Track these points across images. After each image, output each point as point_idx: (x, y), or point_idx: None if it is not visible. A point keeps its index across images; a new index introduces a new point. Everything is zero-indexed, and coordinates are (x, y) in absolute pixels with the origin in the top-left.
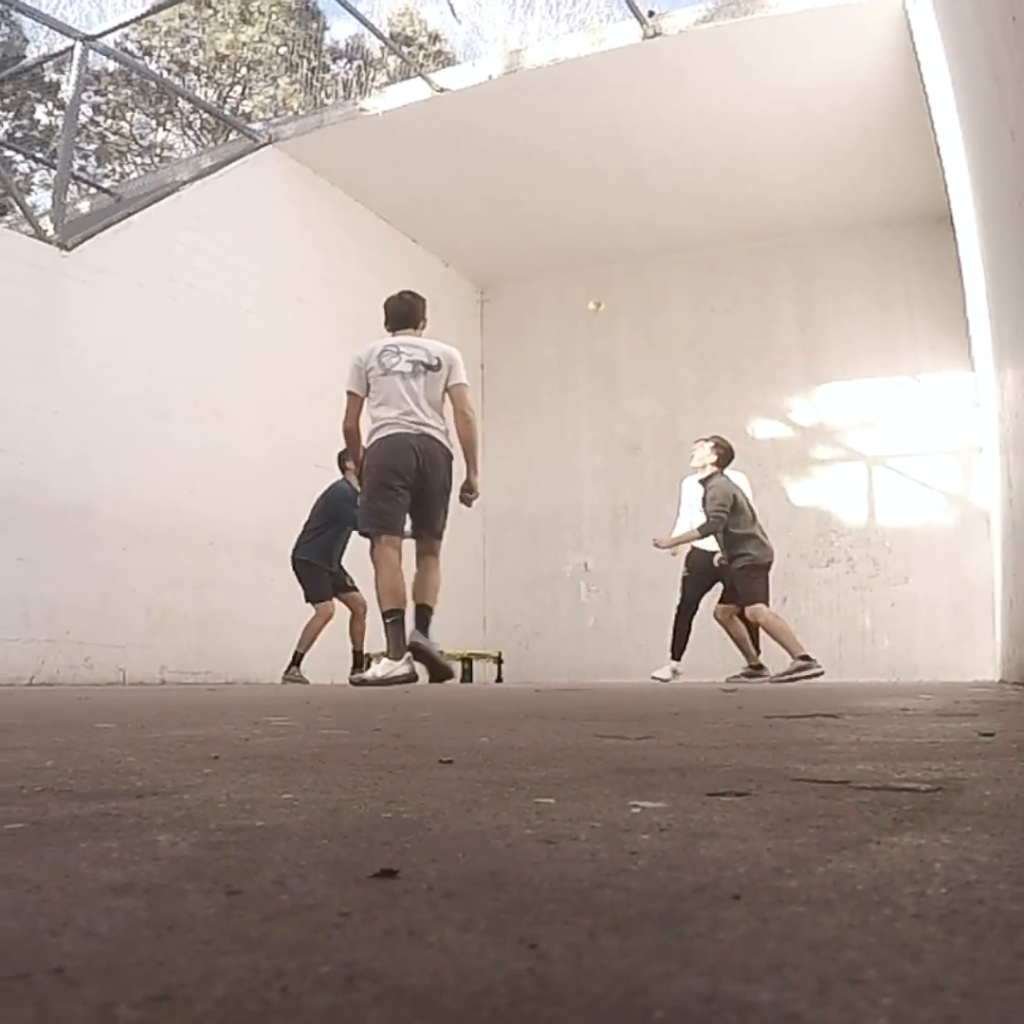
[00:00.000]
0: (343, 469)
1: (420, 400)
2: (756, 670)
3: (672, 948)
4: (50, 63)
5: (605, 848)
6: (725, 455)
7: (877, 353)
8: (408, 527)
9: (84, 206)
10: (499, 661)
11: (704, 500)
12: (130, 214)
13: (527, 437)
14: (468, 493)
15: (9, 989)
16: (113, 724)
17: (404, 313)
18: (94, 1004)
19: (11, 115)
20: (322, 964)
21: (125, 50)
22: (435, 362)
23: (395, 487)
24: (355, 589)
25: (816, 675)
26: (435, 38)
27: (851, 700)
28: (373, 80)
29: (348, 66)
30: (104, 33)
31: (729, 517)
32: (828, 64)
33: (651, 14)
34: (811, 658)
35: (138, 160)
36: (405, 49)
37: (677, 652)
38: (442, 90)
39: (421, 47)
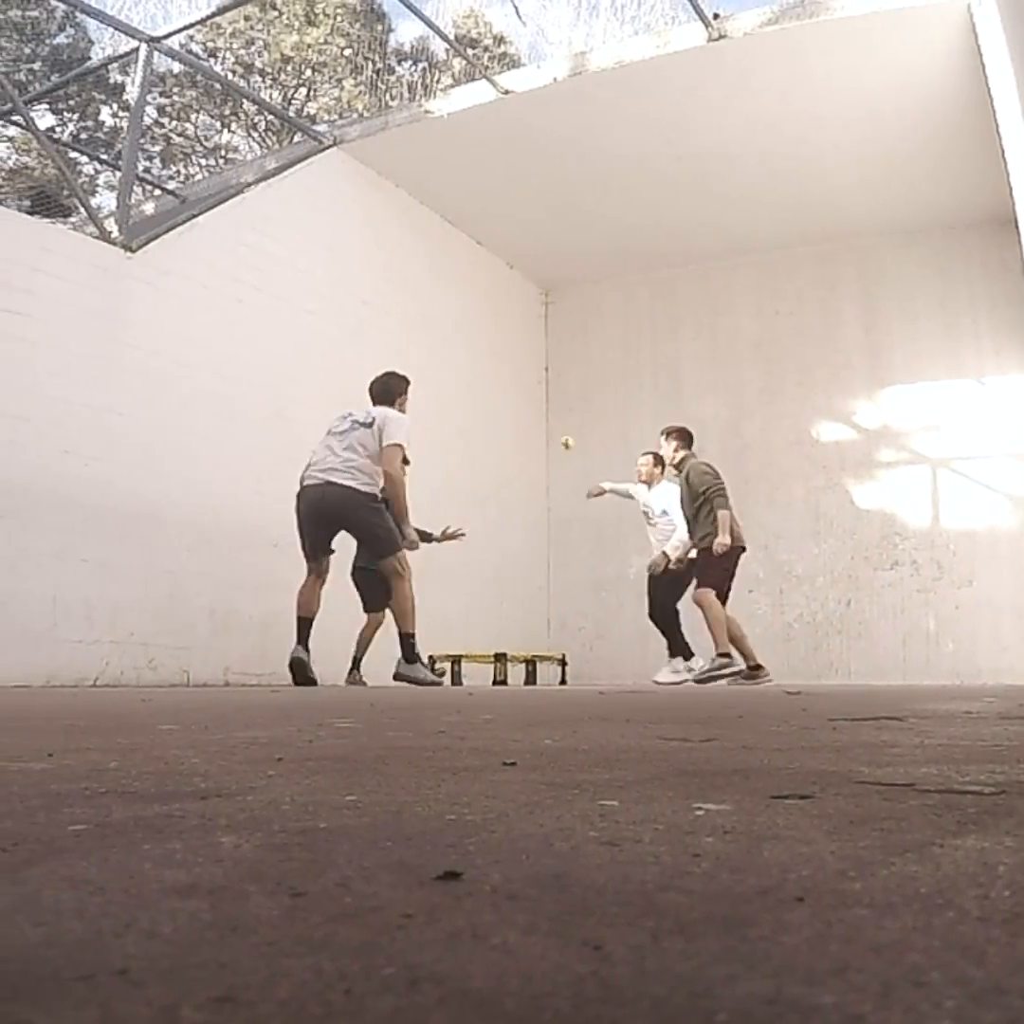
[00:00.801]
0: None
1: (337, 452)
2: (754, 671)
3: (735, 950)
4: (115, 65)
5: (668, 850)
6: (685, 437)
7: (941, 356)
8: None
9: (149, 208)
10: (563, 663)
11: (691, 485)
12: (195, 216)
13: (592, 439)
14: (405, 543)
15: (73, 990)
16: (177, 725)
17: (378, 391)
18: (157, 1005)
19: (76, 117)
20: (386, 966)
21: (190, 52)
22: (370, 420)
23: (303, 529)
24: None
25: (735, 673)
26: (500, 40)
27: (915, 703)
28: (438, 82)
29: (413, 68)
30: (169, 35)
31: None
32: (893, 66)
33: (716, 17)
34: (732, 656)
35: (203, 162)
36: (470, 51)
37: (679, 650)
38: (507, 92)
39: (486, 49)
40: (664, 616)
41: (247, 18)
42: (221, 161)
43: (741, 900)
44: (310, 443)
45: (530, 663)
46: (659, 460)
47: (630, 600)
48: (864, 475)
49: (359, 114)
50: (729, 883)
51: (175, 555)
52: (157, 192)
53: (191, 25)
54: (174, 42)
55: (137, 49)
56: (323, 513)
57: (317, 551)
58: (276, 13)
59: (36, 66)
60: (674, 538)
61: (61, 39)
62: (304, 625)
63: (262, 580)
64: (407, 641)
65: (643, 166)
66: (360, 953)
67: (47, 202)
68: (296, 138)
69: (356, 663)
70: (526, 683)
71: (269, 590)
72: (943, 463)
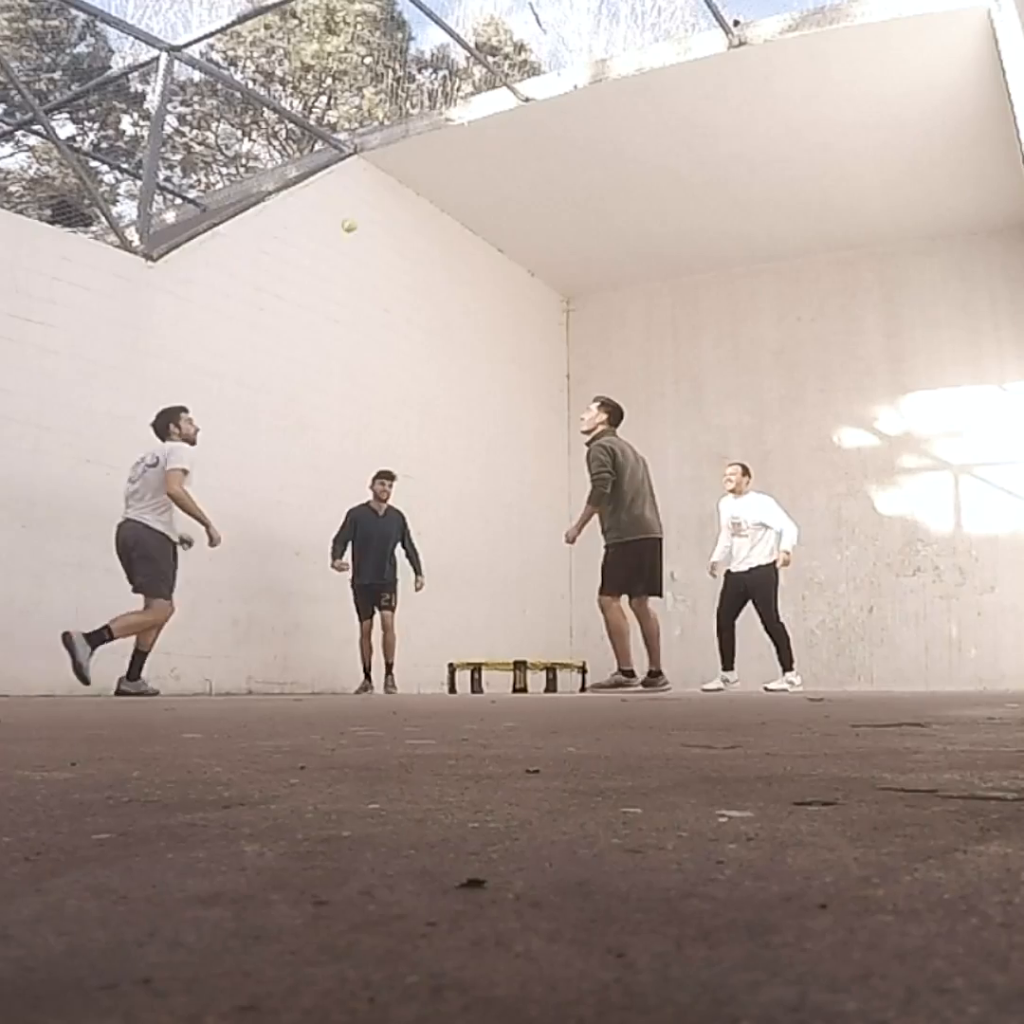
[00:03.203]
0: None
1: (131, 495)
2: (653, 677)
3: (759, 957)
4: (135, 74)
5: (692, 858)
6: (612, 412)
7: (963, 362)
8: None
9: (170, 216)
10: (583, 671)
11: (588, 465)
12: (216, 224)
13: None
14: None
15: (97, 999)
16: (200, 734)
17: (159, 428)
18: (181, 1015)
19: (97, 126)
20: (409, 974)
21: (210, 60)
22: (154, 460)
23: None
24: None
25: (634, 692)
26: (521, 48)
27: (938, 709)
28: (458, 90)
29: (434, 76)
30: (189, 44)
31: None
32: (914, 73)
33: (736, 24)
34: (634, 675)
35: (223, 170)
36: (490, 59)
37: (727, 662)
38: (527, 100)
39: (506, 57)
40: (774, 627)
41: (267, 26)
42: (242, 170)
43: (764, 907)
44: (332, 452)
45: (550, 671)
46: (746, 470)
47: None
48: (886, 481)
49: (380, 122)
50: (752, 890)
51: (198, 564)
52: (178, 201)
53: (211, 34)
54: (194, 51)
55: (157, 58)
56: (123, 548)
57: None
58: (296, 21)
59: (57, 75)
60: (786, 538)
61: (81, 48)
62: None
63: (285, 589)
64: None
65: (664, 173)
66: (384, 961)
67: (68, 211)
68: (317, 146)
69: (387, 668)
70: (546, 690)
71: (292, 599)
72: (965, 469)
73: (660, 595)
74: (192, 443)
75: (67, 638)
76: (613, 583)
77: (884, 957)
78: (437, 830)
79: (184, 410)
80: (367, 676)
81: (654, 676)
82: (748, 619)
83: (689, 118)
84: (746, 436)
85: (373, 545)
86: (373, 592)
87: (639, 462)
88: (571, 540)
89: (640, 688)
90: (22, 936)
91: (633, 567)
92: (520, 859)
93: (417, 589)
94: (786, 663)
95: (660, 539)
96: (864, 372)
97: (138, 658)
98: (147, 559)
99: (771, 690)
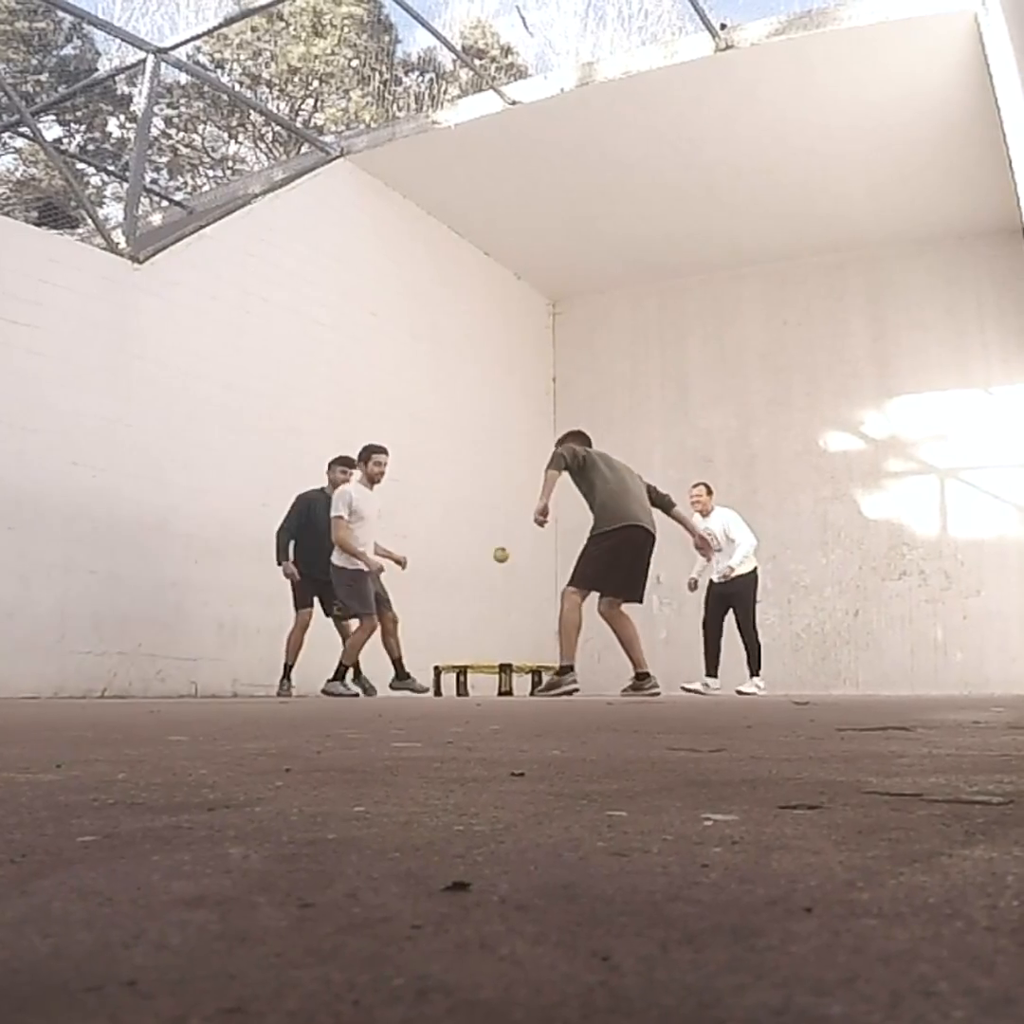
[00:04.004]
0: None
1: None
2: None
3: (744, 961)
4: (122, 76)
5: (677, 861)
6: (574, 438)
7: (949, 366)
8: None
9: (156, 219)
10: None
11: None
12: (202, 227)
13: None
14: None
15: (82, 1001)
16: (185, 737)
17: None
18: (167, 1017)
19: (83, 128)
20: (394, 977)
21: (197, 63)
22: None
23: None
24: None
25: (567, 693)
26: (507, 51)
27: (923, 713)
28: (445, 93)
29: (420, 79)
30: (176, 46)
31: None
32: (900, 77)
33: (723, 27)
34: (572, 672)
35: (210, 173)
36: (477, 62)
37: (711, 668)
38: (514, 103)
39: (493, 60)
40: (750, 635)
41: (254, 29)
42: (228, 172)
43: (750, 910)
44: (318, 454)
45: (536, 674)
46: (709, 489)
47: (637, 610)
48: (872, 485)
49: (366, 125)
50: (737, 893)
51: (183, 567)
52: (164, 203)
53: (198, 36)
54: (181, 53)
55: (144, 60)
56: None
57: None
58: (283, 24)
59: (43, 77)
60: (737, 554)
61: (68, 50)
62: None
63: (270, 592)
64: None
65: (650, 176)
66: (369, 964)
67: (54, 213)
68: (303, 149)
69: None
70: (532, 693)
71: (277, 602)
72: (951, 473)
73: (639, 601)
74: (372, 482)
75: (329, 694)
76: (581, 577)
77: (869, 961)
78: (422, 833)
79: (371, 452)
80: (288, 675)
81: (641, 679)
82: (727, 626)
83: (676, 121)
84: (732, 439)
85: (327, 534)
86: (319, 586)
87: (621, 467)
88: (541, 514)
89: (570, 687)
90: (7, 938)
91: (606, 563)
92: (505, 862)
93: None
94: (754, 668)
95: (648, 533)
96: (850, 375)
97: (342, 668)
98: (340, 588)
99: (742, 693)
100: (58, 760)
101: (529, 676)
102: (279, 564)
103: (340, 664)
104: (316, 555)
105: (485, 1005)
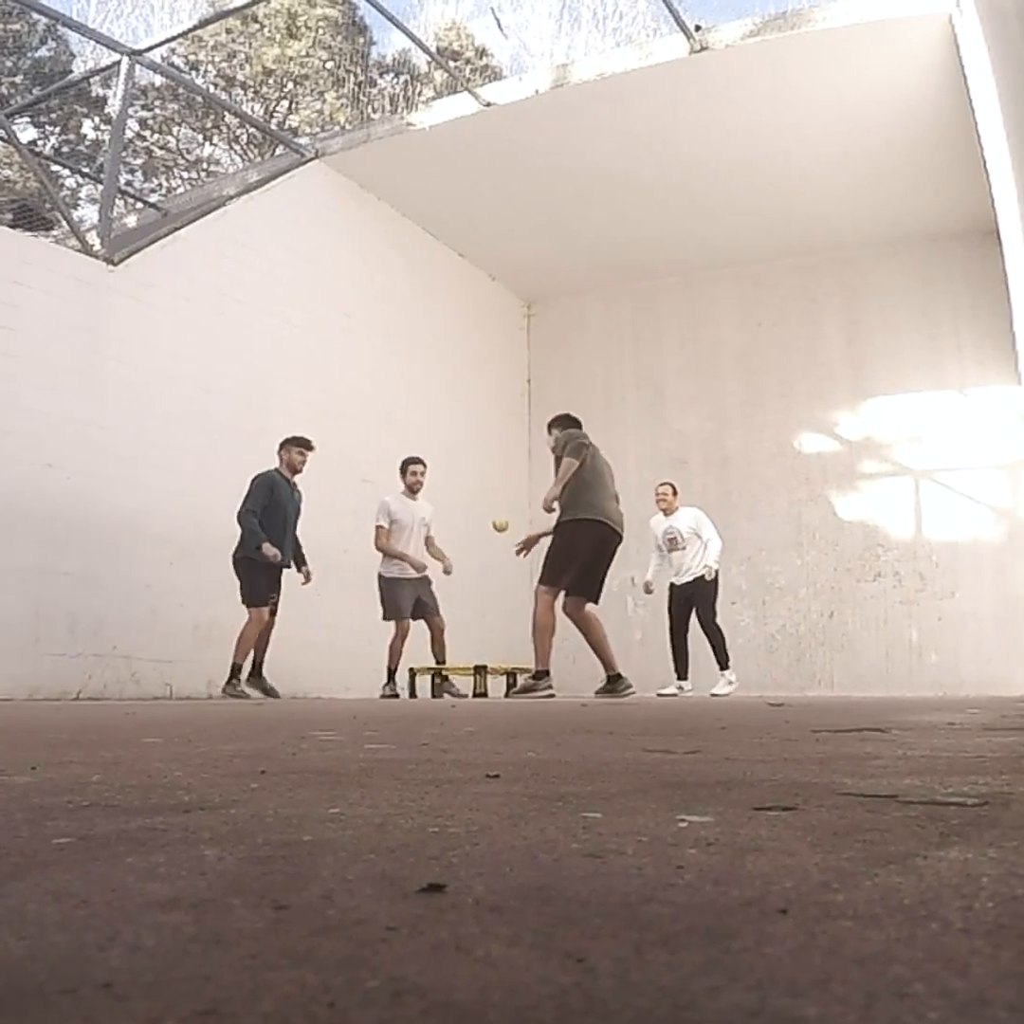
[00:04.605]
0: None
1: None
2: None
3: (719, 962)
4: (97, 78)
5: (652, 862)
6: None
7: (924, 367)
8: None
9: (131, 221)
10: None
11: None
12: (177, 229)
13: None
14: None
15: (57, 1004)
16: (160, 739)
17: None
18: (141, 1018)
19: (58, 130)
20: (369, 979)
21: (172, 65)
22: None
23: None
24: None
25: (545, 697)
26: (482, 53)
27: (898, 714)
28: (420, 95)
29: (395, 81)
30: (151, 48)
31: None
32: (875, 78)
33: (698, 28)
34: (548, 677)
35: (185, 175)
36: (452, 64)
37: (681, 671)
38: (489, 105)
39: (468, 62)
40: (711, 628)
41: (229, 31)
42: (203, 174)
43: (724, 912)
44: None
45: (511, 675)
46: (675, 489)
47: (612, 612)
48: (847, 487)
49: (341, 127)
50: (712, 895)
51: (157, 568)
52: (139, 205)
53: (173, 38)
54: (156, 55)
55: (119, 62)
56: None
57: None
58: (258, 26)
59: (17, 79)
60: (712, 552)
61: (43, 52)
62: None
63: None
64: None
65: (625, 178)
66: (344, 966)
67: (29, 215)
68: (278, 151)
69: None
70: (506, 695)
71: None
72: (925, 474)
73: (595, 601)
74: (412, 492)
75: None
76: (552, 572)
77: (844, 962)
78: (397, 835)
79: (407, 463)
80: (260, 672)
81: (614, 681)
82: (695, 627)
83: (650, 123)
84: (707, 441)
85: (289, 520)
86: (277, 575)
87: (605, 464)
88: (555, 502)
89: (545, 693)
90: None
91: (573, 556)
92: (480, 864)
93: (305, 583)
94: (722, 662)
95: (617, 533)
96: (825, 377)
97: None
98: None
99: (717, 695)
100: (33, 762)
101: (504, 677)
102: (257, 548)
103: (234, 665)
104: (283, 541)
105: (460, 1007)
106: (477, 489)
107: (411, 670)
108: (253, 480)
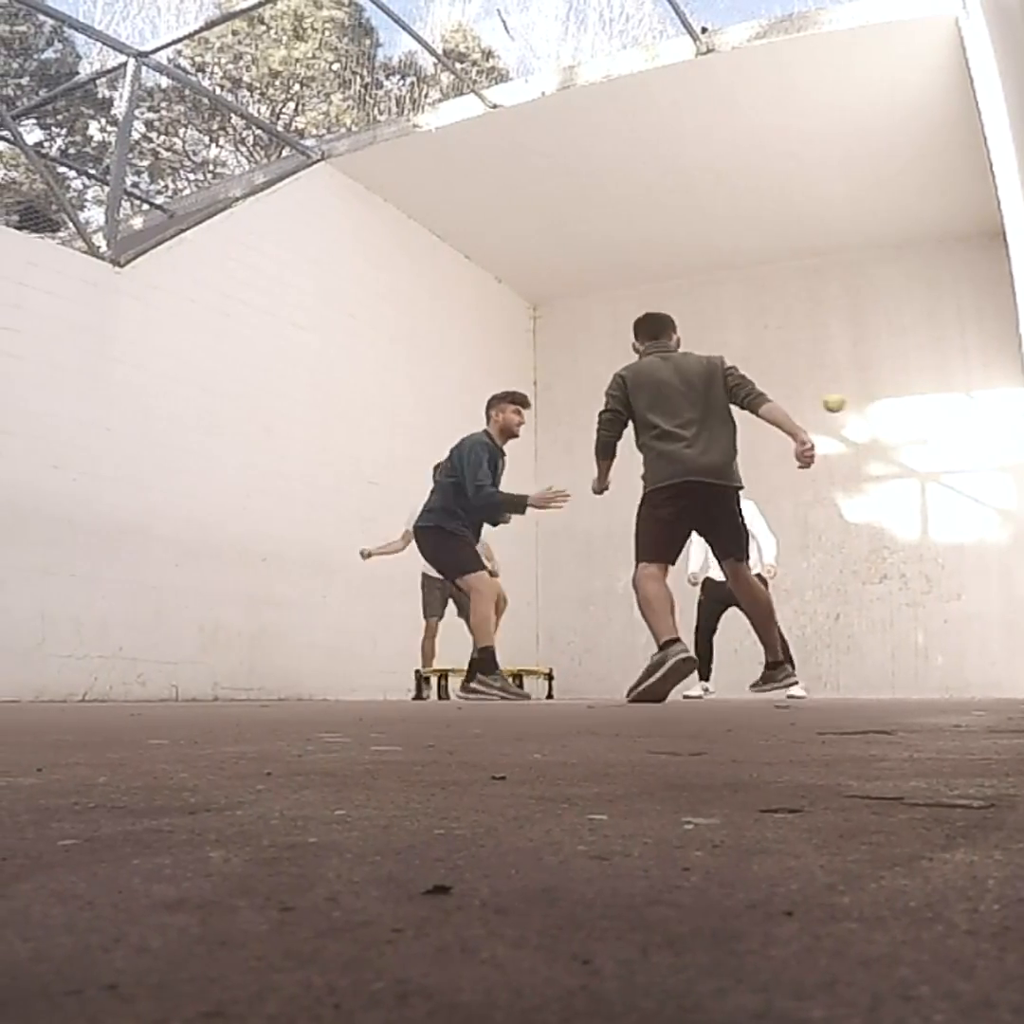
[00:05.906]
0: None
1: None
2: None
3: (725, 964)
4: (103, 79)
5: (658, 864)
6: (640, 327)
7: (930, 369)
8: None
9: (137, 222)
10: (549, 677)
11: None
12: (183, 230)
13: (580, 453)
14: None
15: (62, 1005)
16: (166, 740)
17: None
18: (146, 1020)
19: (64, 131)
20: (375, 981)
21: (178, 66)
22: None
23: None
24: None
25: (521, 698)
26: (488, 55)
27: (904, 716)
28: (426, 96)
29: (401, 82)
30: (157, 49)
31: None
32: (881, 81)
33: (704, 31)
34: (673, 643)
35: (191, 176)
36: (458, 65)
37: (704, 673)
38: (495, 106)
39: (475, 63)
40: (707, 637)
41: (235, 33)
42: (209, 176)
43: (730, 914)
44: (298, 458)
45: (516, 678)
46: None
47: (618, 614)
48: (853, 489)
49: (347, 128)
50: (718, 897)
51: (163, 570)
52: (145, 207)
53: (179, 40)
54: (162, 57)
55: (125, 64)
56: None
57: None
58: (264, 28)
59: (24, 81)
60: (770, 550)
61: (49, 54)
62: None
63: (250, 595)
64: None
65: (631, 180)
66: (349, 968)
67: (35, 217)
68: (284, 153)
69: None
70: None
71: (257, 605)
72: (931, 477)
73: (672, 563)
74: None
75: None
76: (638, 547)
77: (849, 964)
78: (403, 836)
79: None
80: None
81: (775, 666)
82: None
83: (656, 125)
84: None
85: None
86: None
87: (685, 378)
88: (597, 490)
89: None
90: None
91: (651, 522)
92: (486, 866)
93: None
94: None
95: (707, 484)
96: (830, 379)
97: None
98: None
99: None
100: (39, 764)
101: (510, 679)
102: (522, 508)
103: None
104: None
105: (465, 1008)
106: None
107: (417, 672)
108: (462, 446)
